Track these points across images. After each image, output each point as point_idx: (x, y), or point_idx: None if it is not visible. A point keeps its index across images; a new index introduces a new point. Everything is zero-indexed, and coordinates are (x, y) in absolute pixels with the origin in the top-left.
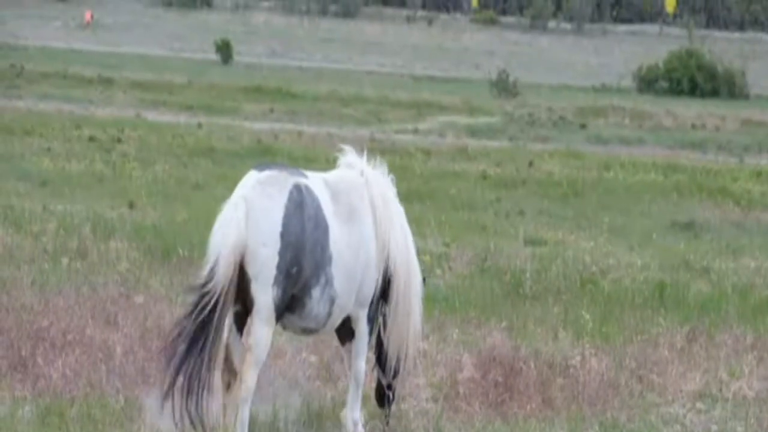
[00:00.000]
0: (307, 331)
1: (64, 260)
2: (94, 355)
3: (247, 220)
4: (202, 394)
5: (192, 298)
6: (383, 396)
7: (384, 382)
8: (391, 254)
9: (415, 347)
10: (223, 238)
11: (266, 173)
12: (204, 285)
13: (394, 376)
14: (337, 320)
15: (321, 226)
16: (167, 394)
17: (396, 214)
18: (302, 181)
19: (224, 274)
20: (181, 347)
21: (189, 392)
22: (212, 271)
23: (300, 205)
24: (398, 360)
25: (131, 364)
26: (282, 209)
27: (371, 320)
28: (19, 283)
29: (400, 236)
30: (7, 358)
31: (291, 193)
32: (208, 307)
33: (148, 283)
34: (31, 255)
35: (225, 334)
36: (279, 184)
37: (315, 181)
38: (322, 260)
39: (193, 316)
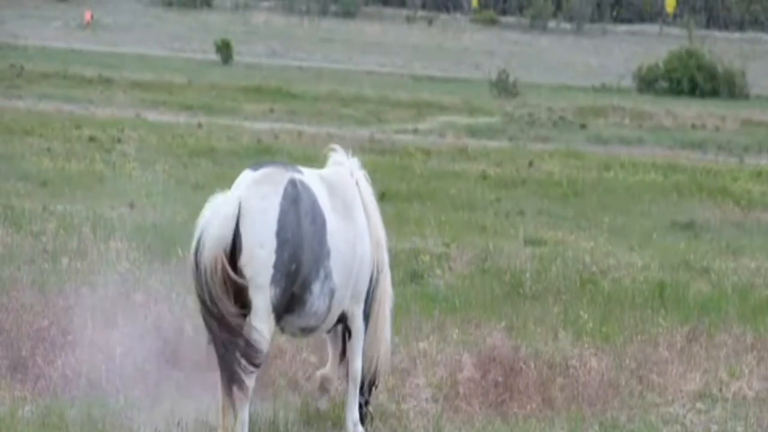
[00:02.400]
0: (306, 331)
1: (64, 260)
2: (94, 355)
3: (243, 222)
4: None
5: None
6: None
7: (361, 401)
8: (380, 255)
9: (387, 356)
10: (208, 222)
11: (261, 172)
12: (193, 277)
13: (369, 388)
14: (335, 316)
15: (318, 221)
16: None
17: (379, 216)
18: (297, 176)
19: (208, 261)
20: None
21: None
22: (196, 253)
23: (296, 200)
24: (373, 369)
25: (131, 364)
26: (277, 207)
27: (366, 317)
28: (19, 283)
29: (385, 239)
30: (7, 358)
31: (286, 189)
32: (205, 294)
33: (148, 283)
34: (31, 255)
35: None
36: (274, 182)
37: (310, 176)
38: (320, 254)
39: (205, 311)
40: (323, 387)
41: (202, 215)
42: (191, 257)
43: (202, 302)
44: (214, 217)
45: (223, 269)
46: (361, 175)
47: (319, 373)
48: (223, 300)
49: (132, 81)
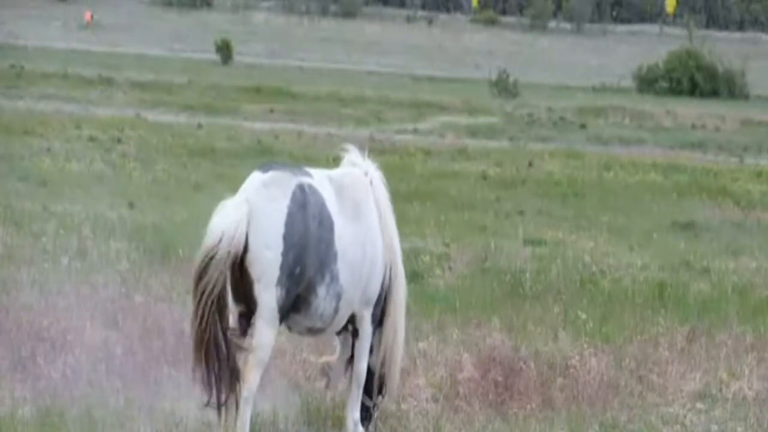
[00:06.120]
0: (313, 331)
1: (64, 260)
2: (94, 355)
3: (250, 223)
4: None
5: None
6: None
7: (369, 404)
8: (394, 259)
9: (400, 362)
10: (219, 231)
11: (270, 174)
12: (198, 277)
13: (380, 394)
14: (343, 318)
15: (325, 224)
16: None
17: (393, 218)
18: (306, 180)
19: (217, 263)
20: (197, 346)
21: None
22: (205, 262)
23: (303, 204)
24: (386, 376)
25: (131, 364)
26: (285, 210)
27: (377, 321)
28: (19, 283)
29: (398, 243)
30: (7, 358)
31: (294, 193)
32: (207, 295)
33: (148, 283)
34: (31, 255)
35: (240, 339)
36: (282, 185)
37: (319, 178)
38: (326, 257)
39: (196, 312)
40: (324, 371)
41: (213, 221)
42: (200, 260)
43: (201, 306)
44: (225, 222)
45: (234, 271)
46: (377, 177)
47: (322, 360)
48: (225, 305)
49: (132, 81)
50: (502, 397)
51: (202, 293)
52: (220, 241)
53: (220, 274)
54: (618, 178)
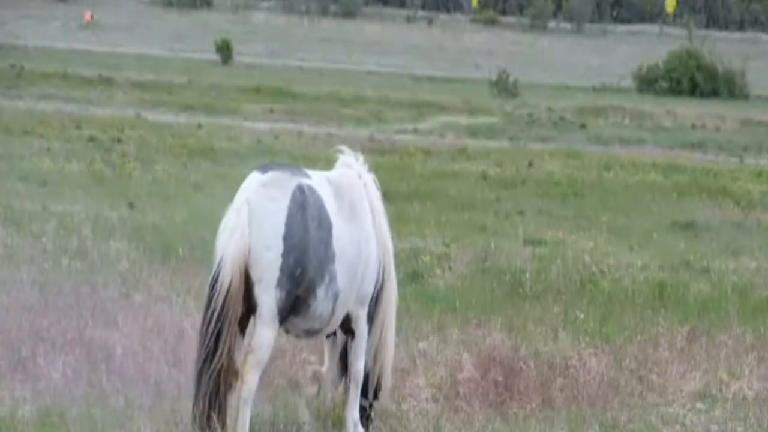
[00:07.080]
0: (310, 333)
1: (64, 260)
2: (94, 355)
3: (250, 224)
4: (221, 399)
5: (204, 309)
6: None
7: (364, 404)
8: (387, 259)
9: (391, 361)
10: (226, 246)
11: (269, 175)
12: (210, 294)
13: (375, 395)
14: (339, 318)
15: (324, 226)
16: (195, 399)
17: (386, 220)
18: (305, 181)
19: (226, 282)
20: (200, 357)
21: (211, 398)
22: (216, 279)
23: (303, 205)
24: (380, 375)
25: (131, 364)
26: (285, 211)
27: (371, 320)
28: (19, 283)
29: (391, 244)
30: (7, 358)
31: (294, 194)
32: (216, 315)
33: (148, 283)
34: (31, 255)
35: (239, 339)
36: (282, 186)
37: (317, 180)
38: (325, 258)
39: (205, 325)
40: (315, 378)
41: (218, 238)
42: (213, 278)
43: (214, 317)
44: (231, 236)
45: (243, 283)
46: (370, 179)
47: (313, 368)
48: (234, 321)
49: (132, 81)
50: (502, 397)
51: (221, 321)
52: (231, 277)
53: (235, 291)
54: (618, 178)
